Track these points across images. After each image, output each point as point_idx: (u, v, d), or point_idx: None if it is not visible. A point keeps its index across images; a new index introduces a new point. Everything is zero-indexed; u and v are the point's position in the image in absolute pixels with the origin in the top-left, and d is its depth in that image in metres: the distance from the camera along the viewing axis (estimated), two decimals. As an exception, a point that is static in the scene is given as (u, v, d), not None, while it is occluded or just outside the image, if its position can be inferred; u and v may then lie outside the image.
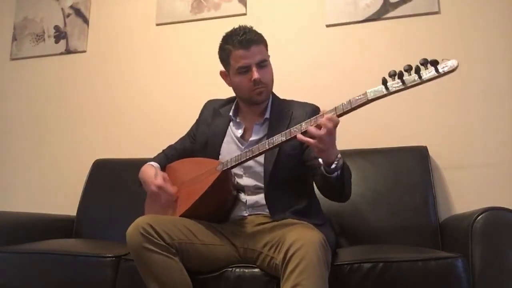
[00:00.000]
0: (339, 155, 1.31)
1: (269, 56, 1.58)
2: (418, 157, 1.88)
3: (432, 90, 2.04)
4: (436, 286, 1.28)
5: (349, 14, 2.21)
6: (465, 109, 2.00)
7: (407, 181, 1.83)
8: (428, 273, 1.28)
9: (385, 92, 1.19)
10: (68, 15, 2.67)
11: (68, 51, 2.63)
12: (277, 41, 2.28)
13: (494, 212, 1.34)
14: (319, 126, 1.24)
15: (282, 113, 1.59)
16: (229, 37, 1.56)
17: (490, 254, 1.31)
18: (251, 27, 1.57)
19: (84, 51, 2.60)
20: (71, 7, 2.67)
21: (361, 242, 1.74)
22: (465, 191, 1.93)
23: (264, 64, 1.54)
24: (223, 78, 1.64)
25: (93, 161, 2.30)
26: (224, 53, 1.58)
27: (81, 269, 1.56)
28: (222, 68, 1.63)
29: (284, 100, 1.67)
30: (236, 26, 1.58)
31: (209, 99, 1.79)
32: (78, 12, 2.65)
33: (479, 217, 1.33)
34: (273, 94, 1.66)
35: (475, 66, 2.02)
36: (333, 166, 1.29)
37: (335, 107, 1.27)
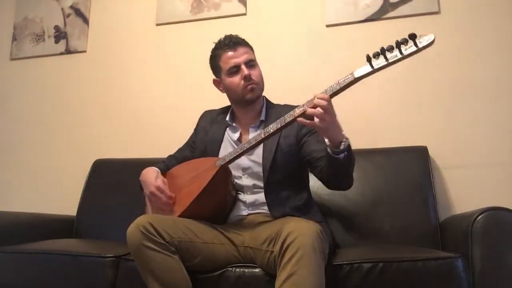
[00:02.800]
0: (346, 136, 1.31)
1: (256, 60, 1.65)
2: (418, 157, 1.87)
3: (433, 90, 2.05)
4: (436, 286, 1.28)
5: (349, 14, 2.21)
6: (465, 109, 2.00)
7: (407, 181, 1.82)
8: (428, 273, 1.28)
9: (370, 69, 1.23)
10: (68, 15, 2.67)
11: (68, 51, 2.63)
12: (277, 41, 2.28)
13: (494, 212, 1.34)
14: (314, 107, 1.26)
15: (277, 114, 1.61)
16: (217, 45, 1.67)
17: (490, 254, 1.31)
18: (237, 35, 1.66)
19: (84, 51, 2.60)
20: (71, 7, 2.67)
21: (360, 242, 1.74)
22: (465, 191, 1.93)
23: (252, 63, 1.62)
24: (216, 86, 1.71)
25: (93, 161, 2.30)
26: (215, 60, 1.66)
27: (81, 269, 1.56)
28: (214, 77, 1.70)
29: (278, 104, 1.72)
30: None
31: (205, 110, 1.83)
32: (78, 12, 2.65)
33: (479, 217, 1.33)
34: (267, 99, 1.71)
35: (475, 66, 2.02)
36: (342, 147, 1.29)
37: (325, 90, 1.30)
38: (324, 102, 1.24)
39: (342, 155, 1.31)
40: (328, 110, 1.24)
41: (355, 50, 2.18)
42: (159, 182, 1.57)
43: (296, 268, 1.16)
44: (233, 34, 1.66)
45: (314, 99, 1.27)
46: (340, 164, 1.33)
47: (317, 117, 1.25)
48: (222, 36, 1.67)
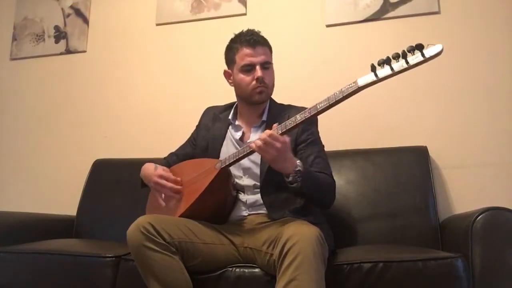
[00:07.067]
0: (298, 168, 1.35)
1: (272, 62, 1.63)
2: (418, 157, 1.87)
3: (433, 90, 2.05)
4: (436, 286, 1.28)
5: (349, 14, 2.21)
6: (465, 109, 2.00)
7: (407, 181, 1.82)
8: (428, 273, 1.28)
9: (374, 79, 1.22)
10: (68, 15, 2.67)
11: (68, 51, 2.63)
12: (277, 41, 2.25)
13: (494, 212, 1.34)
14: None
15: (278, 116, 1.61)
16: (237, 37, 1.63)
17: (490, 254, 1.31)
18: (259, 32, 1.63)
19: (84, 51, 2.60)
20: (71, 7, 2.67)
21: (360, 242, 1.74)
22: (465, 191, 1.93)
23: (267, 66, 1.59)
24: (226, 77, 1.68)
25: (93, 161, 2.30)
26: (231, 52, 1.63)
27: (81, 269, 1.56)
28: (226, 68, 1.67)
29: (282, 104, 1.70)
30: (245, 29, 1.64)
31: (208, 106, 1.81)
32: (78, 12, 2.65)
33: (479, 217, 1.33)
34: (271, 99, 1.69)
35: (475, 66, 2.02)
36: (290, 178, 1.36)
37: (328, 97, 1.30)
38: (264, 136, 1.30)
39: (294, 185, 1.36)
40: (271, 145, 1.30)
41: (355, 50, 2.19)
42: (159, 171, 1.58)
43: (296, 273, 1.16)
44: (256, 31, 1.62)
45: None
46: (297, 192, 1.39)
47: (258, 150, 1.33)
48: (245, 29, 1.63)
